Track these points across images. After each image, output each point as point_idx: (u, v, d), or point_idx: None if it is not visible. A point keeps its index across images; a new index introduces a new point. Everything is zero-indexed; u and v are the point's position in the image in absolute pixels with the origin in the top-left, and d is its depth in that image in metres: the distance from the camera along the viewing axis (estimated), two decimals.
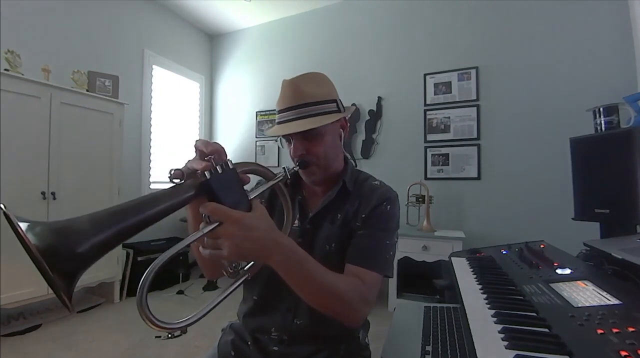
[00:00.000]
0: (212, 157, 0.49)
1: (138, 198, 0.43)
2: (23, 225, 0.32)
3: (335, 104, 0.77)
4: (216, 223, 0.46)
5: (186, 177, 0.48)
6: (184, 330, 2.29)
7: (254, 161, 0.63)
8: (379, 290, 0.69)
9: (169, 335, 2.03)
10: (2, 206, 0.34)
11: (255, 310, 0.79)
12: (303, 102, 0.73)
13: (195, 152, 0.52)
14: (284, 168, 0.66)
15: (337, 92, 0.80)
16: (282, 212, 0.68)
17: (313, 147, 0.74)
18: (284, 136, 0.78)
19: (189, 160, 0.51)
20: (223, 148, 0.53)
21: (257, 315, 0.79)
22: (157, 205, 0.43)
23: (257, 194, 0.56)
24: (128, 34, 3.13)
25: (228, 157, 0.53)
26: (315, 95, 0.74)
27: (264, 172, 0.65)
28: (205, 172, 0.47)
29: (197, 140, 0.52)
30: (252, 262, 0.55)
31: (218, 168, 0.49)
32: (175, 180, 0.47)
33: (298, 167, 0.73)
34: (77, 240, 0.35)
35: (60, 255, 0.33)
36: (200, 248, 0.49)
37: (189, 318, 0.43)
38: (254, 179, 0.68)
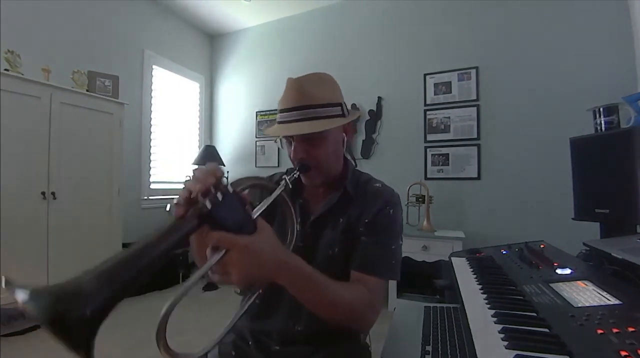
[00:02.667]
0: (212, 184, 0.47)
1: (140, 241, 0.40)
2: (22, 295, 0.30)
3: (340, 107, 0.75)
4: (223, 252, 0.46)
5: (186, 206, 0.46)
6: None
7: (252, 176, 0.62)
8: (383, 297, 0.71)
9: None
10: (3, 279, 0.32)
11: (256, 314, 0.79)
12: (307, 104, 0.71)
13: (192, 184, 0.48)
14: (284, 178, 0.65)
15: (342, 94, 0.79)
16: (283, 218, 0.69)
17: (314, 150, 0.73)
18: (285, 137, 0.76)
19: (185, 185, 0.48)
20: (221, 171, 0.50)
21: (259, 320, 0.79)
22: (161, 245, 0.41)
23: (261, 211, 0.54)
24: (128, 34, 3.13)
25: (225, 176, 0.52)
26: (320, 98, 0.72)
27: (264, 186, 0.63)
28: (206, 202, 0.45)
29: (195, 171, 0.49)
30: None
31: (218, 195, 0.46)
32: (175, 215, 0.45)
33: (297, 172, 0.71)
34: (85, 302, 0.32)
35: (71, 322, 0.31)
36: (210, 273, 0.48)
37: (204, 348, 0.47)
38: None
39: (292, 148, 0.75)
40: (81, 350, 0.31)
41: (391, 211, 0.76)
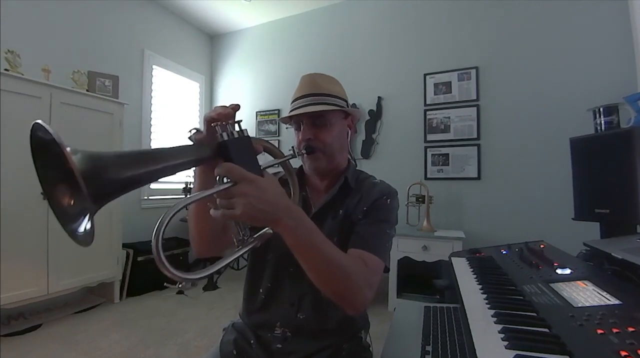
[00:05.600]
0: (230, 122, 0.52)
1: (162, 148, 0.46)
2: (68, 149, 0.35)
3: (345, 103, 0.83)
4: (231, 183, 0.48)
5: (206, 137, 0.52)
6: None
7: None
8: (380, 279, 0.69)
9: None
10: (48, 128, 0.35)
11: (259, 306, 0.81)
12: (318, 92, 0.79)
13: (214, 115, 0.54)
14: (292, 147, 0.73)
15: (347, 97, 0.86)
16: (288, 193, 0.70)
17: (320, 133, 0.79)
18: (294, 122, 0.83)
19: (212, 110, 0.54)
20: (239, 121, 0.56)
21: (262, 311, 0.80)
22: (177, 159, 0.46)
23: (267, 167, 0.58)
24: (128, 34, 3.13)
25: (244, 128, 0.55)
26: (329, 89, 0.80)
27: (273, 151, 0.69)
28: (223, 134, 0.50)
29: (218, 106, 0.55)
30: (260, 232, 0.56)
31: (235, 133, 0.52)
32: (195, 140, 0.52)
33: (304, 151, 0.78)
34: (111, 170, 0.38)
35: (96, 179, 0.35)
36: (212, 210, 0.50)
37: (200, 273, 0.46)
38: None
39: (301, 131, 0.80)
40: (93, 204, 0.35)
41: (388, 200, 0.80)
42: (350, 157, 0.90)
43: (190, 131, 0.51)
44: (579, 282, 0.70)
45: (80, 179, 0.33)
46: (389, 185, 0.85)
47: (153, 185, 3.33)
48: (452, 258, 1.10)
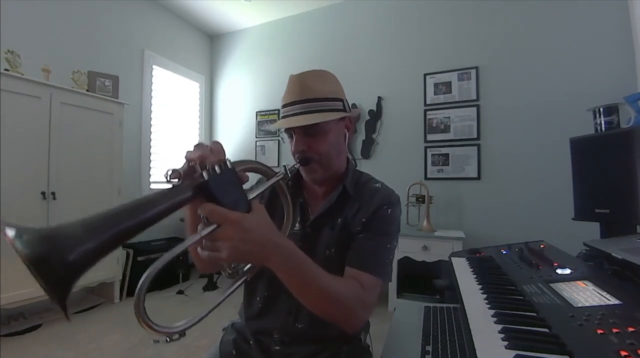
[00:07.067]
0: (212, 161, 0.48)
1: (133, 201, 0.41)
2: (10, 232, 0.30)
3: (341, 102, 0.76)
4: (214, 226, 0.45)
5: (184, 177, 0.46)
6: (182, 334, 2.17)
7: (253, 159, 0.61)
8: (378, 294, 0.69)
9: (167, 339, 1.99)
10: None
11: (257, 313, 0.79)
12: (308, 97, 0.71)
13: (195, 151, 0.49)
14: (284, 166, 0.65)
15: (344, 92, 0.79)
16: (283, 212, 0.68)
17: (315, 143, 0.73)
18: (286, 131, 0.76)
19: (188, 152, 0.49)
20: (222, 147, 0.52)
21: (259, 318, 0.79)
22: (153, 208, 0.41)
23: (256, 194, 0.55)
24: (128, 34, 3.13)
25: (227, 156, 0.51)
26: (321, 92, 0.73)
27: (263, 171, 0.63)
28: (203, 173, 0.46)
29: (195, 145, 0.50)
30: (249, 265, 0.55)
31: (216, 168, 0.47)
32: (172, 181, 0.45)
33: (299, 164, 0.72)
34: (68, 247, 0.32)
35: (51, 264, 0.30)
36: (199, 249, 0.48)
37: (187, 323, 0.42)
38: (253, 177, 0.66)
39: (294, 141, 0.75)
40: (56, 295, 0.30)
41: (389, 211, 0.76)
42: (351, 158, 0.87)
43: (166, 172, 0.46)
44: (579, 282, 0.70)
45: (29, 265, 0.28)
46: (391, 192, 0.80)
47: (153, 185, 3.34)
48: (452, 258, 1.10)
